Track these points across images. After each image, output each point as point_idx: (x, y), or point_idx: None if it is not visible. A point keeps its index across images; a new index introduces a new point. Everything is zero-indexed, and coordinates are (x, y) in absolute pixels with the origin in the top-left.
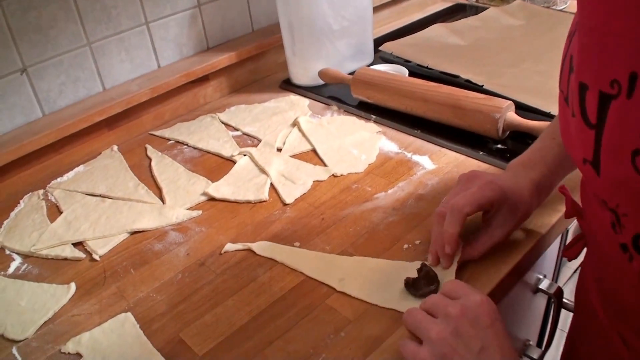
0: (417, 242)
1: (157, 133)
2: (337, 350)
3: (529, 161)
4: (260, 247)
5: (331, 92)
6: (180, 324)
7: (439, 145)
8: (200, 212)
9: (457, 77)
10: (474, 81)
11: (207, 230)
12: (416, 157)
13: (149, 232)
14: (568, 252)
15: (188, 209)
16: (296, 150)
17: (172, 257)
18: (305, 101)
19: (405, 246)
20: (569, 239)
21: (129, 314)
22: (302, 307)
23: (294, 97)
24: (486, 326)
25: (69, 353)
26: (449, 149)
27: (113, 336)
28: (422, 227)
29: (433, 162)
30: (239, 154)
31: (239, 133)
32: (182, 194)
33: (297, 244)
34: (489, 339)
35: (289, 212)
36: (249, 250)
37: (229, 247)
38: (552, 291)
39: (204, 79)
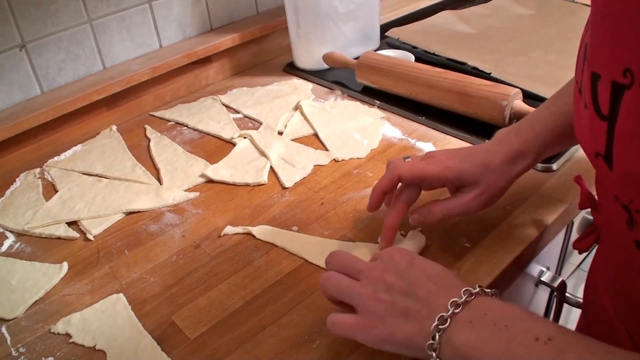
0: (419, 229)
1: (157, 114)
2: (332, 337)
3: (516, 128)
4: (261, 231)
5: (335, 77)
6: (173, 306)
7: (444, 133)
8: (197, 193)
9: (464, 64)
10: (481, 69)
11: (204, 213)
12: (420, 144)
13: (144, 213)
14: (579, 244)
15: (185, 190)
16: (298, 134)
17: (167, 239)
18: (309, 85)
19: (402, 232)
20: (574, 231)
21: (120, 295)
22: (298, 292)
23: (297, 81)
24: (406, 266)
25: (58, 333)
26: (454, 137)
27: (104, 317)
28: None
29: (437, 149)
30: (239, 136)
31: (240, 115)
32: (180, 175)
33: (295, 228)
34: (416, 275)
35: (288, 196)
36: (247, 233)
37: (229, 229)
38: (555, 284)
39: (206, 61)
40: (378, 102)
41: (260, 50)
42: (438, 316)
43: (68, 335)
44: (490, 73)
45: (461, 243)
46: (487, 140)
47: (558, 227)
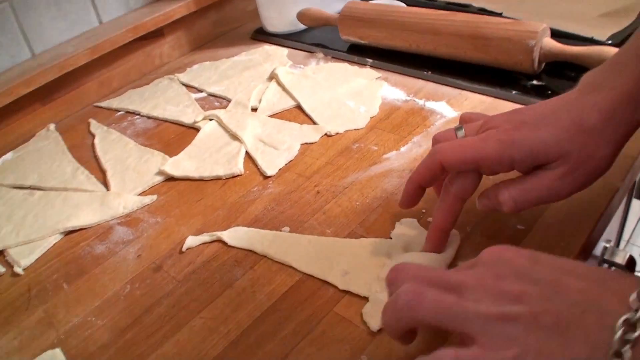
0: (429, 219)
1: (104, 104)
2: None
3: (614, 64)
4: (234, 235)
5: (315, 38)
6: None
7: (458, 88)
8: (155, 197)
9: (467, 6)
10: (490, 9)
11: (165, 221)
12: (430, 104)
13: (88, 230)
14: None
15: (139, 194)
16: (276, 108)
17: (118, 262)
18: (283, 50)
19: (430, 219)
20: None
21: (57, 350)
22: (301, 321)
23: (269, 47)
24: (530, 265)
25: None
26: (471, 91)
27: None
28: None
29: (453, 108)
30: (204, 119)
31: (203, 95)
32: (132, 175)
33: (287, 228)
34: (551, 273)
35: (272, 187)
36: (220, 242)
37: (191, 241)
38: (623, 262)
39: (157, 35)
40: (370, 60)
41: (221, 17)
42: (622, 319)
43: None
44: (501, 13)
45: (512, 226)
46: (514, 92)
47: (626, 188)
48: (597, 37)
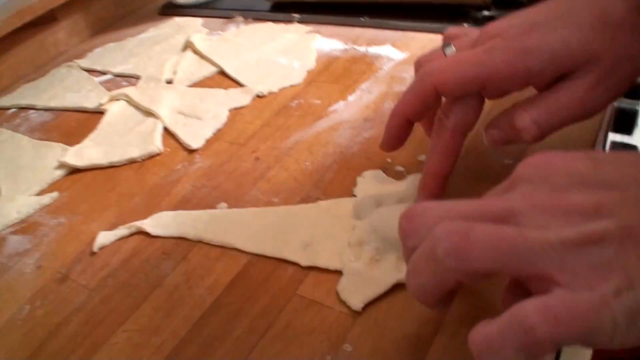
0: (421, 157)
1: None
2: None
3: None
4: (158, 223)
5: (232, 4)
6: None
7: (401, 30)
8: (55, 194)
9: None
10: None
11: (70, 221)
12: (374, 50)
13: None
14: None
15: (37, 194)
16: (195, 78)
17: (12, 279)
18: (197, 20)
19: (400, 168)
20: None
21: None
22: (256, 314)
23: (180, 20)
24: (592, 167)
25: None
26: (417, 31)
27: None
28: (420, 132)
29: (401, 50)
30: (110, 100)
31: (108, 77)
32: (26, 174)
33: (223, 204)
34: (622, 172)
35: (200, 162)
36: (141, 234)
37: (103, 238)
38: None
39: (49, 19)
40: (298, 15)
41: None
42: None
43: None
44: None
45: (498, 161)
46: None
47: None
48: None
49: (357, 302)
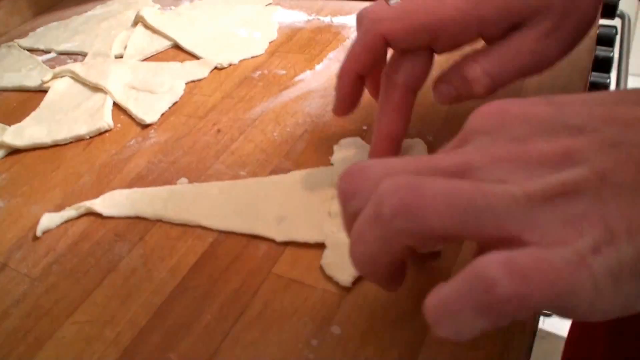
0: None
1: None
2: None
3: None
4: (110, 203)
5: None
6: None
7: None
8: None
9: None
10: None
11: (9, 204)
12: (339, 20)
13: None
14: None
15: None
16: (147, 52)
17: None
18: None
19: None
20: None
21: None
22: (227, 297)
23: None
24: (556, 107)
25: None
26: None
27: None
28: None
29: None
30: (54, 77)
31: (52, 55)
32: None
33: (184, 179)
34: (588, 110)
35: (155, 137)
36: (91, 215)
37: (48, 221)
38: None
39: None
40: None
41: None
42: None
43: None
44: None
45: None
46: None
47: None
48: None
49: (346, 277)
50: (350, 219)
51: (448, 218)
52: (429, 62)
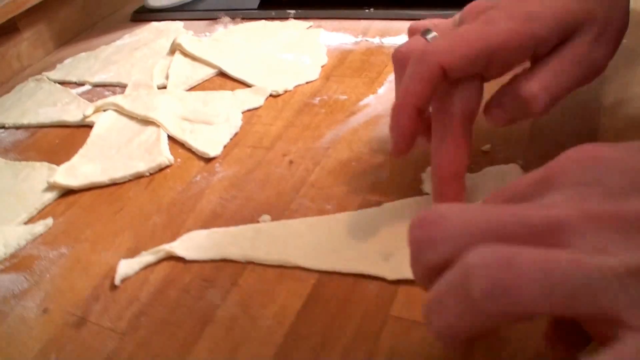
0: (485, 147)
1: None
2: None
3: None
4: (191, 245)
5: (213, 4)
6: None
7: (414, 19)
8: (50, 221)
9: None
10: None
11: (74, 250)
12: (389, 40)
13: None
14: None
15: (25, 223)
16: (191, 81)
17: (14, 328)
18: (178, 24)
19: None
20: None
21: None
22: (347, 344)
23: (158, 24)
24: None
25: None
26: (436, 17)
27: None
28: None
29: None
30: (96, 111)
31: (87, 87)
32: (8, 201)
33: (266, 217)
34: None
35: (222, 171)
36: (172, 260)
37: (126, 268)
38: None
39: (10, 30)
40: (293, 11)
41: (91, 2)
42: None
43: None
44: None
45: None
46: None
47: None
48: None
49: None
50: (423, 270)
51: (543, 298)
52: (481, 89)
